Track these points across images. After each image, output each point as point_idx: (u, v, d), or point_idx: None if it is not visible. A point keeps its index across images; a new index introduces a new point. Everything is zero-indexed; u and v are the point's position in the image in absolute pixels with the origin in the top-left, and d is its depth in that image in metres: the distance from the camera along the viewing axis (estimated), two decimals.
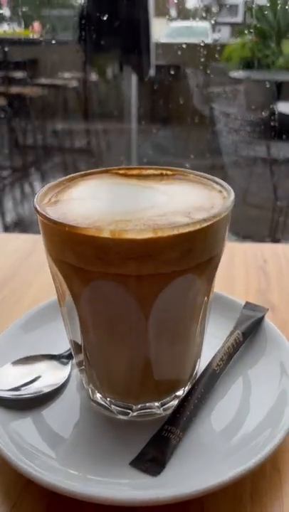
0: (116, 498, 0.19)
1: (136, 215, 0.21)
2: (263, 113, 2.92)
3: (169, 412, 0.25)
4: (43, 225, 0.21)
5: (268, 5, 4.74)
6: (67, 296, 0.22)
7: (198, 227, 0.19)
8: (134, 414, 0.25)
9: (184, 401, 0.24)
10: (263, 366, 0.27)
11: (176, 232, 0.19)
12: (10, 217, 2.99)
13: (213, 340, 0.28)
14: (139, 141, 3.28)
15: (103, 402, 0.26)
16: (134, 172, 0.27)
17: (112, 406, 0.25)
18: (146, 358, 0.23)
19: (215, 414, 0.24)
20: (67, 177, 0.25)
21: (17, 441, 0.23)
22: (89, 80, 3.44)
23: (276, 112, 2.38)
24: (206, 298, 0.23)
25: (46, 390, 0.26)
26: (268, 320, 0.30)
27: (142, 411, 0.25)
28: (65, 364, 0.28)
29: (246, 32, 4.38)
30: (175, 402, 0.25)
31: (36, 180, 3.22)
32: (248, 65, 4.55)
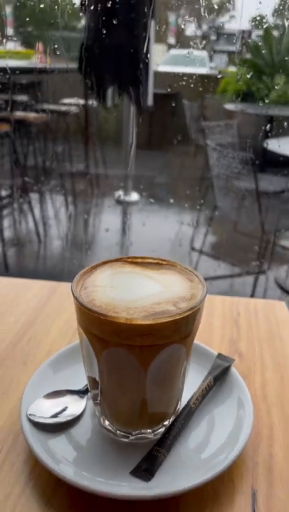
0: (118, 494, 0.29)
1: (141, 303, 0.31)
2: (253, 148, 3.07)
3: (158, 436, 0.35)
4: (77, 306, 0.32)
5: (262, 42, 4.92)
6: (93, 356, 0.32)
7: (182, 316, 0.30)
8: (133, 437, 0.35)
9: (169, 430, 0.34)
10: (227, 404, 0.37)
11: (167, 319, 0.29)
12: (8, 235, 3.07)
13: (192, 383, 0.38)
14: (135, 165, 3.40)
15: (110, 428, 0.35)
16: (138, 260, 0.37)
17: (117, 431, 0.35)
18: (143, 399, 0.33)
19: (190, 439, 0.34)
20: (93, 265, 0.36)
21: (51, 453, 0.32)
22: (89, 106, 3.57)
23: (264, 147, 2.52)
24: (185, 362, 0.33)
25: (71, 417, 0.35)
26: (234, 368, 0.40)
27: (138, 435, 0.35)
28: (82, 398, 0.38)
29: (240, 66, 4.55)
30: (162, 429, 0.35)
31: (34, 200, 3.32)
32: (242, 97, 4.72)
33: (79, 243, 3.05)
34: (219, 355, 0.42)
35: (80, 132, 3.61)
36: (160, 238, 2.83)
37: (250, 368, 0.44)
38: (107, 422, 0.36)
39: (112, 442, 0.35)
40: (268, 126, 3.79)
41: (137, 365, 0.31)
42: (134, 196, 3.40)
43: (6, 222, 3.20)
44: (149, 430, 0.35)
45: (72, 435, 0.35)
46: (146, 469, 0.32)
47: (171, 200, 3.58)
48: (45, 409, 0.35)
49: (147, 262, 0.37)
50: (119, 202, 3.35)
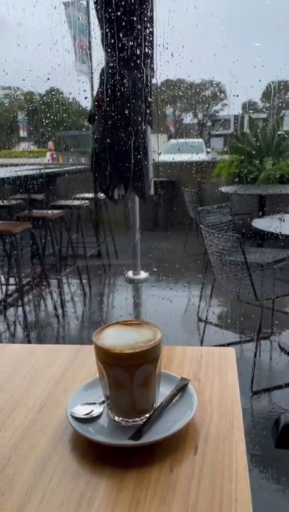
0: (120, 443, 0.56)
1: (127, 344, 0.60)
2: (248, 225, 3.45)
3: (144, 421, 0.61)
4: (95, 347, 0.60)
5: (248, 129, 5.51)
6: (104, 374, 0.61)
7: (148, 348, 0.58)
8: (129, 423, 0.62)
9: (149, 417, 0.61)
10: (183, 404, 0.64)
11: (140, 350, 0.58)
12: (30, 318, 3.38)
13: (164, 393, 0.65)
14: (142, 245, 3.77)
15: (117, 420, 0.62)
16: (128, 322, 0.66)
17: (122, 422, 0.62)
18: (133, 400, 0.60)
19: (161, 421, 0.61)
20: (103, 326, 0.65)
21: (86, 431, 0.59)
22: (99, 198, 4.01)
23: (252, 227, 2.85)
24: (154, 376, 0.61)
25: (95, 415, 0.63)
26: (190, 385, 0.68)
27: (132, 422, 0.62)
28: (100, 405, 0.65)
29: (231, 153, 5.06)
30: (146, 417, 0.62)
31: (53, 286, 3.64)
32: (235, 179, 5.20)
33: (95, 320, 3.33)
34: (182, 378, 0.69)
35: (92, 221, 4.03)
36: (169, 308, 3.11)
37: (204, 388, 0.71)
38: (116, 417, 0.63)
39: (118, 426, 0.62)
40: (259, 204, 4.18)
41: (127, 376, 0.59)
42: (143, 274, 3.73)
43: (27, 307, 3.51)
44: (138, 418, 0.62)
45: (95, 424, 0.62)
46: (136, 436, 0.58)
47: (177, 275, 3.90)
48: (81, 411, 0.63)
49: (133, 322, 0.66)
50: (130, 281, 3.67)
